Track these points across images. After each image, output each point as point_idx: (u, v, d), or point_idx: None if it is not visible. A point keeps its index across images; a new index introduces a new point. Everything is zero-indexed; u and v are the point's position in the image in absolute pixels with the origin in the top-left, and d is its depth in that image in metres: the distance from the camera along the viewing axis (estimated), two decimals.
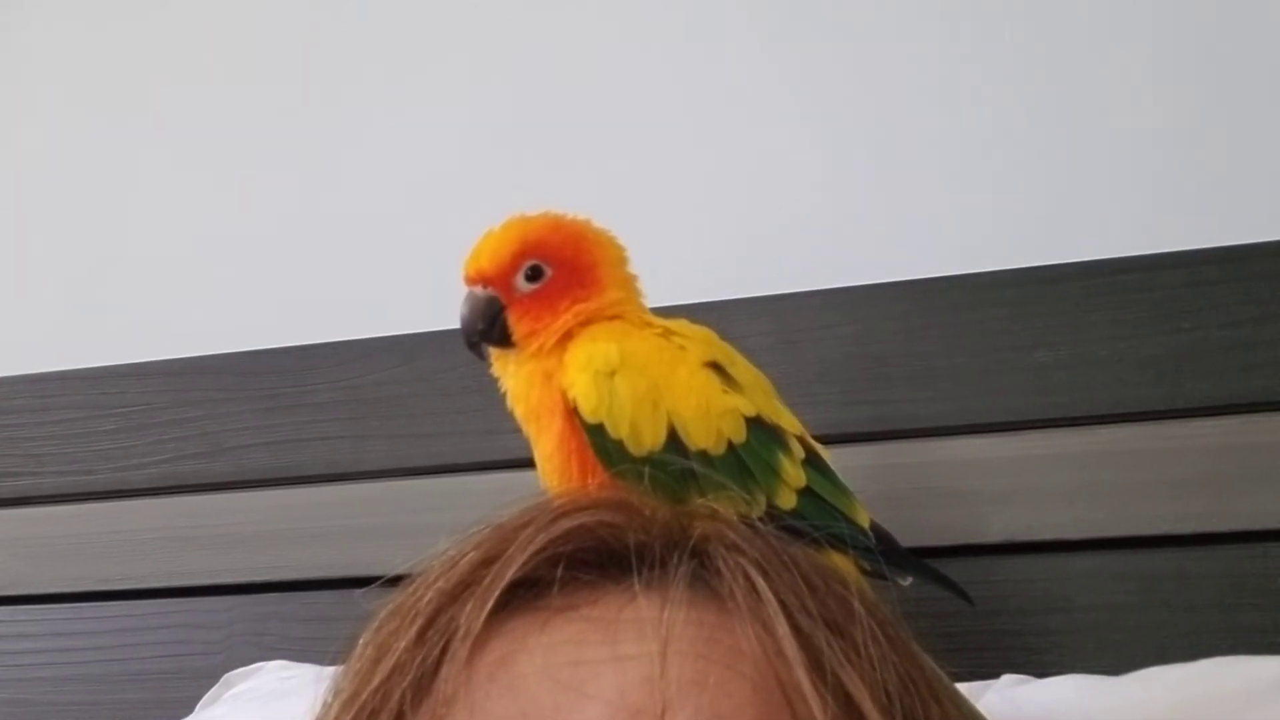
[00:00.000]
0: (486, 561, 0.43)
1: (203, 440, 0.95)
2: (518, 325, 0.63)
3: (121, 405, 0.98)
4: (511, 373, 0.64)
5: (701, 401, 0.61)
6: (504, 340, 0.63)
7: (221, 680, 0.86)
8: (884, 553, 0.63)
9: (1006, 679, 0.68)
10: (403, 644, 0.42)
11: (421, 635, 0.42)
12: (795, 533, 0.47)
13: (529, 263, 0.63)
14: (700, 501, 0.47)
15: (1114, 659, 0.69)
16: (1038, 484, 0.75)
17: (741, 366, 0.65)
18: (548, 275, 0.63)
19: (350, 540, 0.88)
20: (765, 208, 0.91)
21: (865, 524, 0.64)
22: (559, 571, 0.42)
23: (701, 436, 0.60)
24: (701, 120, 0.94)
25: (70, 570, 0.97)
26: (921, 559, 0.67)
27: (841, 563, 0.60)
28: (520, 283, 0.63)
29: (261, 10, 1.09)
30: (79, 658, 0.95)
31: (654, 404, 0.60)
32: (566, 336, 0.63)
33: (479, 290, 0.63)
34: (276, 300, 1.03)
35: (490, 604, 0.41)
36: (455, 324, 0.78)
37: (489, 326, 0.63)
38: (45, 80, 1.15)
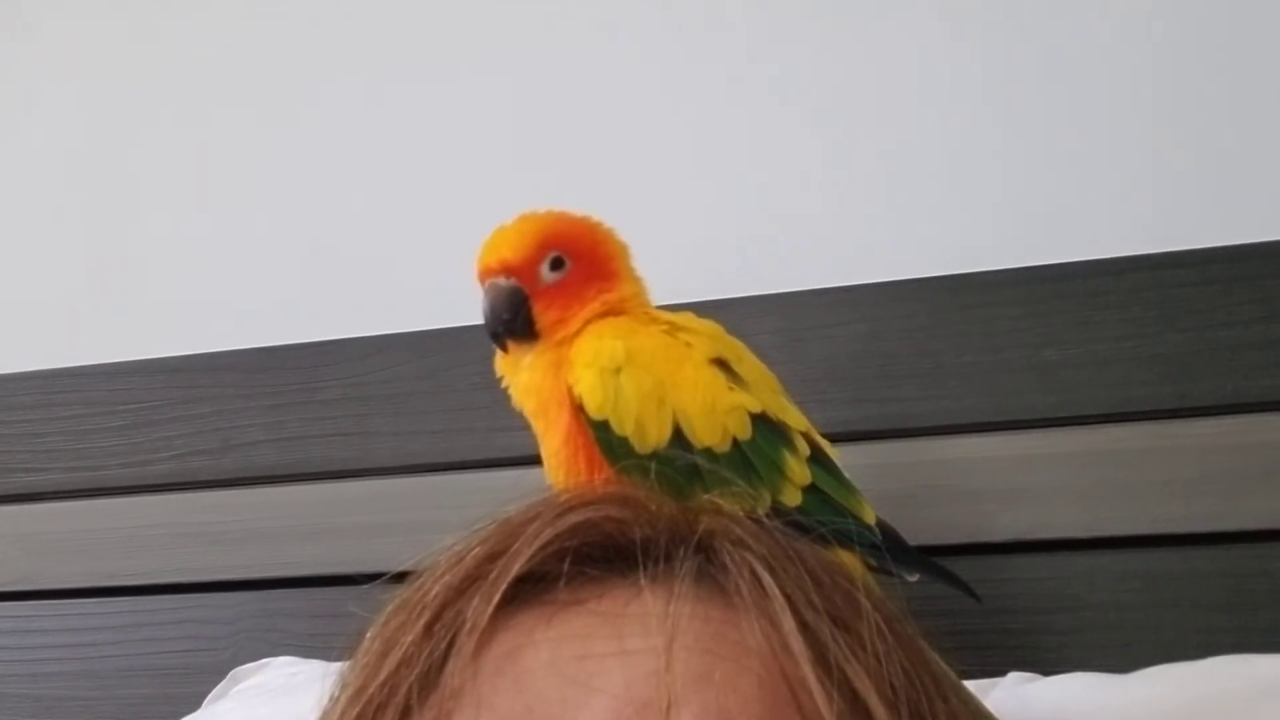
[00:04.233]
0: (493, 556, 0.42)
1: (211, 437, 0.95)
2: (544, 314, 0.63)
3: (130, 401, 0.98)
4: (527, 364, 0.64)
5: (707, 399, 0.61)
6: (526, 331, 0.63)
7: (229, 676, 0.86)
8: (890, 550, 0.62)
9: (1013, 677, 0.68)
10: (409, 638, 0.42)
11: (428, 629, 0.42)
12: (801, 529, 0.47)
13: (552, 253, 0.63)
14: (705, 497, 0.47)
15: (1121, 657, 0.68)
16: (1045, 483, 0.75)
17: (748, 362, 0.65)
18: (569, 266, 0.63)
19: (358, 537, 0.89)
20: (773, 205, 0.91)
21: (871, 521, 0.64)
22: (565, 566, 0.42)
23: (706, 434, 0.60)
24: (709, 118, 0.94)
25: (78, 566, 0.97)
26: (928, 557, 0.67)
27: (848, 559, 0.60)
28: (545, 272, 0.63)
29: (269, 9, 1.09)
30: (87, 653, 0.95)
31: (659, 401, 0.60)
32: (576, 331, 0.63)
33: (502, 281, 0.63)
34: (285, 297, 1.03)
35: (497, 598, 0.41)
36: (463, 321, 0.78)
37: (513, 317, 0.63)
38: (53, 77, 1.15)
